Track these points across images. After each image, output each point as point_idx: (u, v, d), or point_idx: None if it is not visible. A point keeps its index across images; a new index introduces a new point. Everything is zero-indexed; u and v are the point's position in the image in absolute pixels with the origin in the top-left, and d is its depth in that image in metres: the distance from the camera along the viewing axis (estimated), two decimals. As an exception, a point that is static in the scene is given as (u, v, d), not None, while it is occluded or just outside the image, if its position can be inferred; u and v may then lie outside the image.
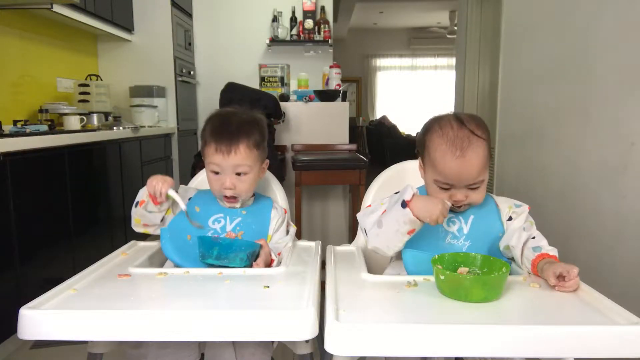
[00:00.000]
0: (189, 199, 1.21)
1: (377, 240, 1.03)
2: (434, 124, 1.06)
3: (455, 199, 1.03)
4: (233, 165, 1.13)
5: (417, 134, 1.16)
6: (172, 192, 1.11)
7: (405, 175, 1.38)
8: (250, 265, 1.06)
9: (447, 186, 1.03)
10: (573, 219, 2.25)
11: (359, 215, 1.13)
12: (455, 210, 1.08)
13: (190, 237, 1.12)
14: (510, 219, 1.08)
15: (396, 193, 1.11)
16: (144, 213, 1.13)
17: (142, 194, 1.13)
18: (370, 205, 1.14)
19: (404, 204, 0.96)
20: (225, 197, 1.16)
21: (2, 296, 1.82)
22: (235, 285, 0.93)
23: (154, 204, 1.12)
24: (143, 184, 1.13)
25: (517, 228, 1.05)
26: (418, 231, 0.99)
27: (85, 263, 1.02)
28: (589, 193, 2.14)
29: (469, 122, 1.03)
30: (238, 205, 1.18)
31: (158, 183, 1.09)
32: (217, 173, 1.14)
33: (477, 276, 0.89)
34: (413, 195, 0.97)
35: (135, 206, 1.14)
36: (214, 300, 0.86)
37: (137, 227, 1.18)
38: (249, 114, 1.21)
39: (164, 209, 1.16)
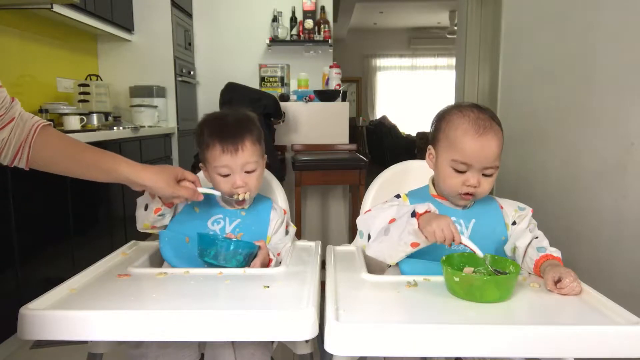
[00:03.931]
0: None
1: (379, 247, 1.01)
2: (451, 109, 1.07)
3: (469, 183, 1.02)
4: (242, 164, 1.13)
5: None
6: (203, 190, 1.10)
7: (405, 175, 1.38)
8: (248, 267, 1.06)
9: (463, 168, 1.02)
10: (573, 219, 2.25)
11: (358, 220, 1.12)
12: (462, 204, 1.07)
13: (188, 239, 1.13)
14: (514, 223, 1.08)
15: (396, 196, 1.11)
16: (158, 218, 1.14)
17: (154, 201, 1.12)
18: (370, 210, 1.14)
19: (414, 214, 0.95)
20: (237, 201, 1.16)
21: (2, 296, 1.82)
22: (235, 285, 0.93)
23: (168, 207, 1.13)
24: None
25: (523, 229, 1.06)
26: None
27: (85, 263, 1.02)
28: (589, 193, 2.14)
29: (487, 110, 1.06)
30: (247, 205, 1.18)
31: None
32: (225, 176, 1.14)
33: (492, 277, 0.89)
34: (427, 210, 0.95)
35: (145, 209, 1.13)
36: (214, 300, 0.86)
37: (144, 230, 1.18)
38: (242, 112, 1.21)
39: (174, 207, 1.16)
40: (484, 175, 1.03)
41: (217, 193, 1.13)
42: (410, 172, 1.37)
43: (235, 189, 1.13)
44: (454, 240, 0.90)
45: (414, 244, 0.95)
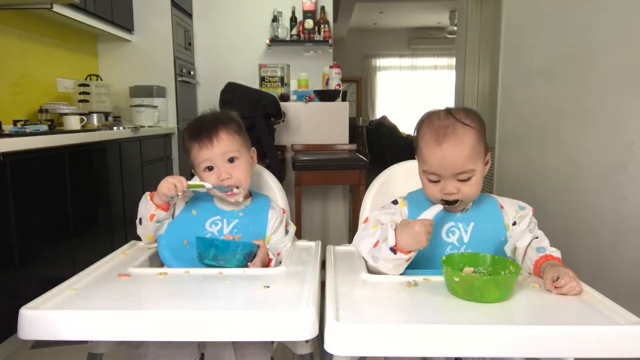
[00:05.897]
0: (185, 202, 1.20)
1: (377, 269, 1.01)
2: (423, 118, 1.07)
3: (446, 191, 1.00)
4: (222, 154, 1.13)
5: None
6: (191, 182, 1.13)
7: (405, 175, 1.37)
8: (247, 266, 1.06)
9: (435, 177, 1.01)
10: (573, 219, 2.25)
11: (354, 242, 1.12)
12: (451, 210, 1.06)
13: (186, 242, 1.13)
14: (514, 223, 1.07)
15: (394, 202, 1.11)
16: (156, 226, 1.14)
17: (147, 209, 1.12)
18: (366, 220, 1.13)
19: (394, 250, 0.94)
20: (228, 191, 1.15)
21: (2, 296, 1.82)
22: (235, 285, 0.93)
23: (164, 211, 1.13)
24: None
25: (523, 230, 1.06)
26: None
27: (85, 263, 1.02)
28: (589, 193, 2.14)
29: (457, 112, 1.02)
30: (240, 198, 1.17)
31: (174, 180, 1.09)
32: (210, 169, 1.15)
33: (492, 276, 0.89)
34: (395, 234, 0.95)
35: (140, 223, 1.14)
36: (214, 300, 0.86)
37: (150, 244, 1.19)
38: (221, 112, 1.23)
39: (171, 212, 1.16)
40: (460, 180, 1.00)
41: (207, 185, 1.14)
42: (411, 172, 1.36)
43: (221, 181, 1.14)
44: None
45: (408, 259, 0.96)
